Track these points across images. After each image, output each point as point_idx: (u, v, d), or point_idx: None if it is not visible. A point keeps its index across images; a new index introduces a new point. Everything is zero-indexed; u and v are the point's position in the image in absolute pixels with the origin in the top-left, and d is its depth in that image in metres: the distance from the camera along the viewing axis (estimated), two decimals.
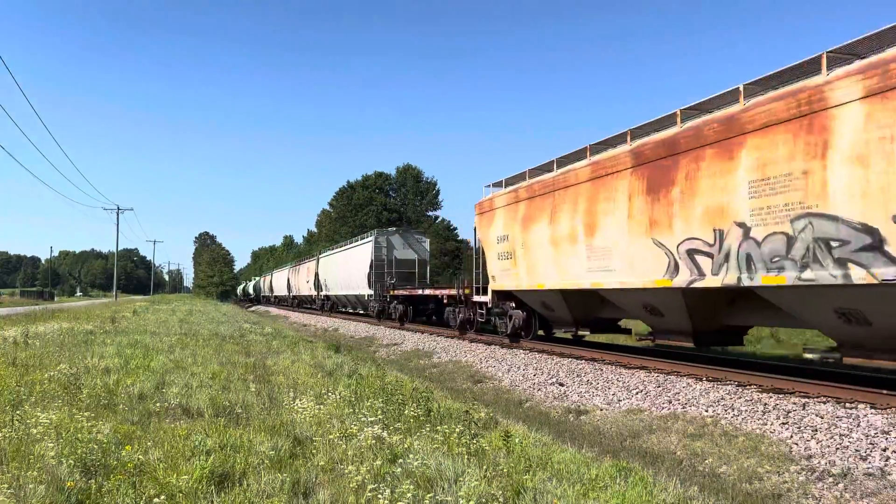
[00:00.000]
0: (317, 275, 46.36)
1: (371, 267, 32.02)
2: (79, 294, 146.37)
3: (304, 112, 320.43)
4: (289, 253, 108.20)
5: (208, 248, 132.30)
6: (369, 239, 33.16)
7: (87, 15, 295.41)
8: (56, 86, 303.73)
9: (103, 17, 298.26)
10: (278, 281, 70.14)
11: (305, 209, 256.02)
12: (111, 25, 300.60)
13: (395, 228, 36.20)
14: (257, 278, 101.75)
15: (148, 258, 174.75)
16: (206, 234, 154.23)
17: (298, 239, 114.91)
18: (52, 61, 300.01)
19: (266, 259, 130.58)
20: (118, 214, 70.62)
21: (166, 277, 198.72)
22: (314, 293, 48.19)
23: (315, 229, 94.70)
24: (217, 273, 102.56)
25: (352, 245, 37.39)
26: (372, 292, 31.87)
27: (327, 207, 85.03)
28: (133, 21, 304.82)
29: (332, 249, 43.80)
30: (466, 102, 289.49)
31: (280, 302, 71.01)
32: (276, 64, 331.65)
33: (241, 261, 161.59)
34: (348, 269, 36.57)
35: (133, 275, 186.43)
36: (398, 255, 32.58)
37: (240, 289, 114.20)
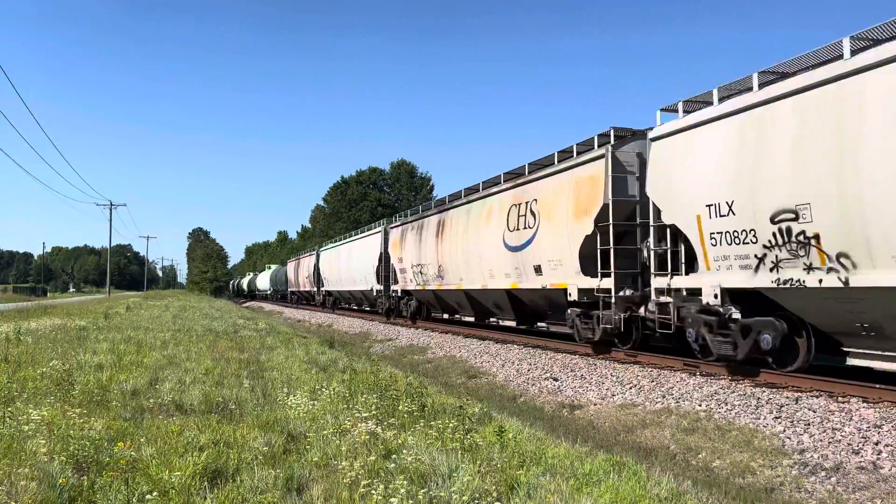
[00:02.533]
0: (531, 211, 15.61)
1: None
2: (72, 290, 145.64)
3: (297, 107, 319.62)
4: (283, 248, 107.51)
5: (202, 244, 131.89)
6: None
7: (85, 13, 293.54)
8: (48, 82, 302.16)
9: (100, 13, 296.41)
10: (340, 264, 37.15)
11: (299, 205, 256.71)
12: (107, 23, 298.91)
13: None
14: (274, 266, 79.77)
15: (141, 254, 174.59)
16: (200, 229, 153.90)
17: (293, 234, 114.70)
18: (44, 59, 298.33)
19: (260, 255, 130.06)
20: (111, 210, 70.55)
21: (160, 273, 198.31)
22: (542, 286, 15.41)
23: (309, 225, 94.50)
24: (211, 269, 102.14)
25: None
26: None
27: (321, 203, 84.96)
28: (127, 18, 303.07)
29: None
30: (461, 97, 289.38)
31: (337, 305, 40.74)
32: (269, 60, 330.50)
33: (235, 256, 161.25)
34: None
35: (126, 271, 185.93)
36: None
37: (244, 283, 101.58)
